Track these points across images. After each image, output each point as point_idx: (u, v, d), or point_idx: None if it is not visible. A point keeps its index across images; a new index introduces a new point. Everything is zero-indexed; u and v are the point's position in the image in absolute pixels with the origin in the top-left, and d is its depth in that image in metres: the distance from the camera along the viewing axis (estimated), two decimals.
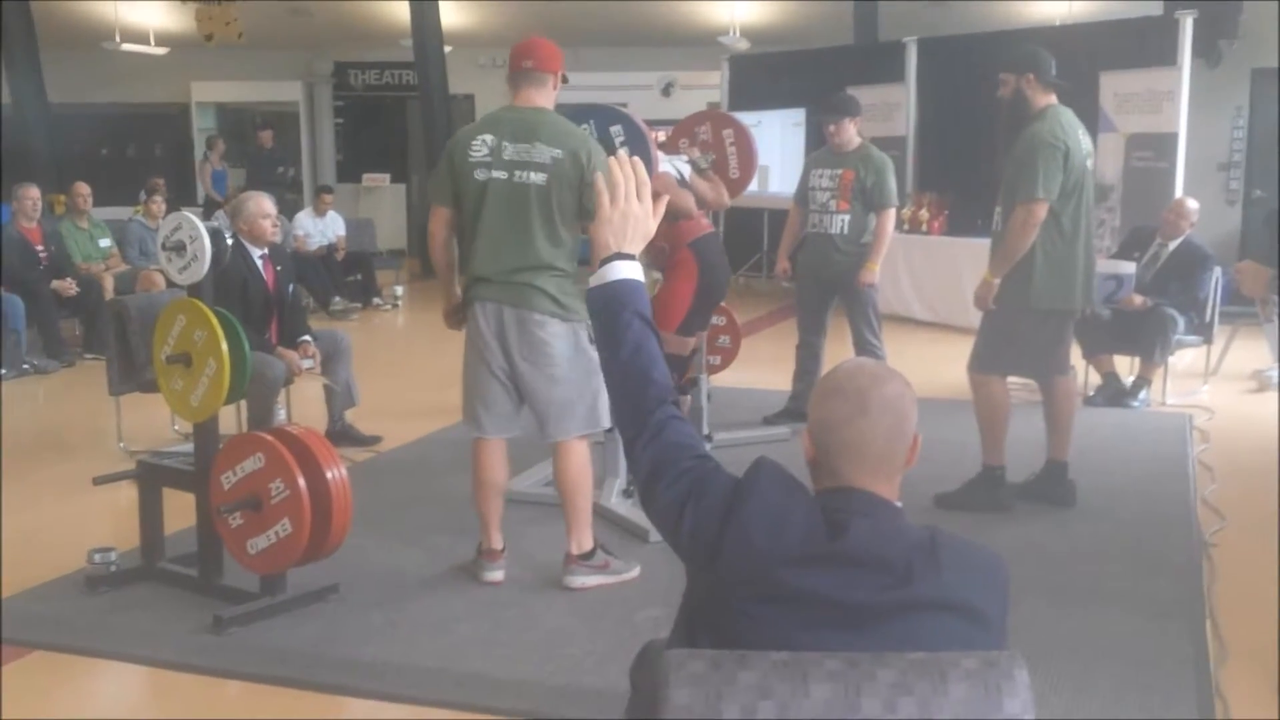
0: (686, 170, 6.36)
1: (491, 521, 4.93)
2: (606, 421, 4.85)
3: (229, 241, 6.22)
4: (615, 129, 5.39)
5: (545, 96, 4.75)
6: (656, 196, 2.43)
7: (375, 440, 7.17)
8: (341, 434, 7.06)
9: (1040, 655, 4.09)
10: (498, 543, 4.95)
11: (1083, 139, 5.61)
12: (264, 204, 6.68)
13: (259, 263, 6.56)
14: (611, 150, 5.23)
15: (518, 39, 4.78)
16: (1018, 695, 1.82)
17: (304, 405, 7.50)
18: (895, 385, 2.12)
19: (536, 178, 4.58)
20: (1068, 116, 5.60)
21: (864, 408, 2.08)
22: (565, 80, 4.81)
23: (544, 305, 4.63)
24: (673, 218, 5.96)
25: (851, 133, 7.22)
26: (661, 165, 5.98)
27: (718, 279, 6.33)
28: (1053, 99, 5.63)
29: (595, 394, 4.74)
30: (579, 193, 4.59)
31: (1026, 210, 5.42)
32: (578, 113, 5.42)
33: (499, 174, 4.62)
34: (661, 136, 7.11)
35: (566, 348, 4.67)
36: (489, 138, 4.67)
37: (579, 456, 4.80)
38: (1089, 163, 5.64)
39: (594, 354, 4.77)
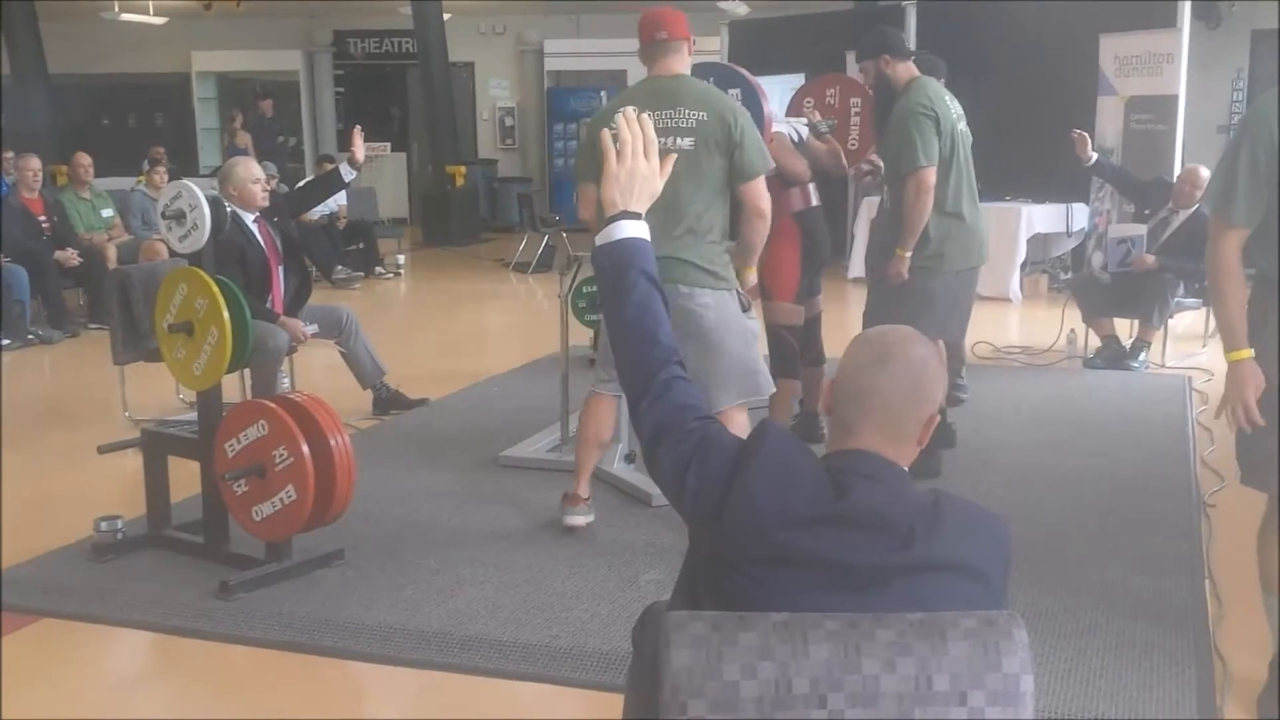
0: (804, 133, 6.24)
1: (584, 470, 5.05)
2: (768, 389, 4.88)
3: (229, 210, 6.25)
4: (733, 91, 5.36)
5: (683, 63, 4.80)
6: (664, 156, 2.43)
7: (422, 402, 7.30)
8: (390, 400, 7.18)
9: (1041, 614, 4.14)
10: (584, 491, 5.06)
11: (950, 104, 5.68)
12: (252, 168, 6.67)
13: (253, 228, 6.56)
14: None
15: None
16: (1016, 654, 1.84)
17: (308, 374, 7.52)
18: (923, 351, 2.12)
19: (683, 142, 4.56)
20: (932, 86, 5.68)
21: (884, 359, 2.08)
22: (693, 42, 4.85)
23: (690, 276, 4.59)
24: (784, 183, 5.92)
25: None
26: (776, 126, 5.90)
27: (819, 251, 6.21)
28: (914, 71, 5.71)
29: (754, 361, 4.77)
30: (729, 155, 4.57)
31: (915, 180, 5.49)
32: (696, 72, 5.42)
33: None
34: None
35: (717, 317, 4.63)
36: (631, 110, 4.65)
37: (737, 428, 4.77)
38: (960, 126, 5.70)
39: (749, 321, 4.80)
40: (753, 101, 5.41)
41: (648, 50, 4.81)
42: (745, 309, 4.83)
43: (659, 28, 4.75)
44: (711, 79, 5.36)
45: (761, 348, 6.23)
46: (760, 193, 4.69)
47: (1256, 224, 3.38)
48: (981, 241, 5.84)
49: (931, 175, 5.48)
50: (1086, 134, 8.31)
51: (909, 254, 5.62)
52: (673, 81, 4.73)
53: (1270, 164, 3.28)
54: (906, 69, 5.68)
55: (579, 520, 5.01)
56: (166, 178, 11.39)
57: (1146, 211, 8.46)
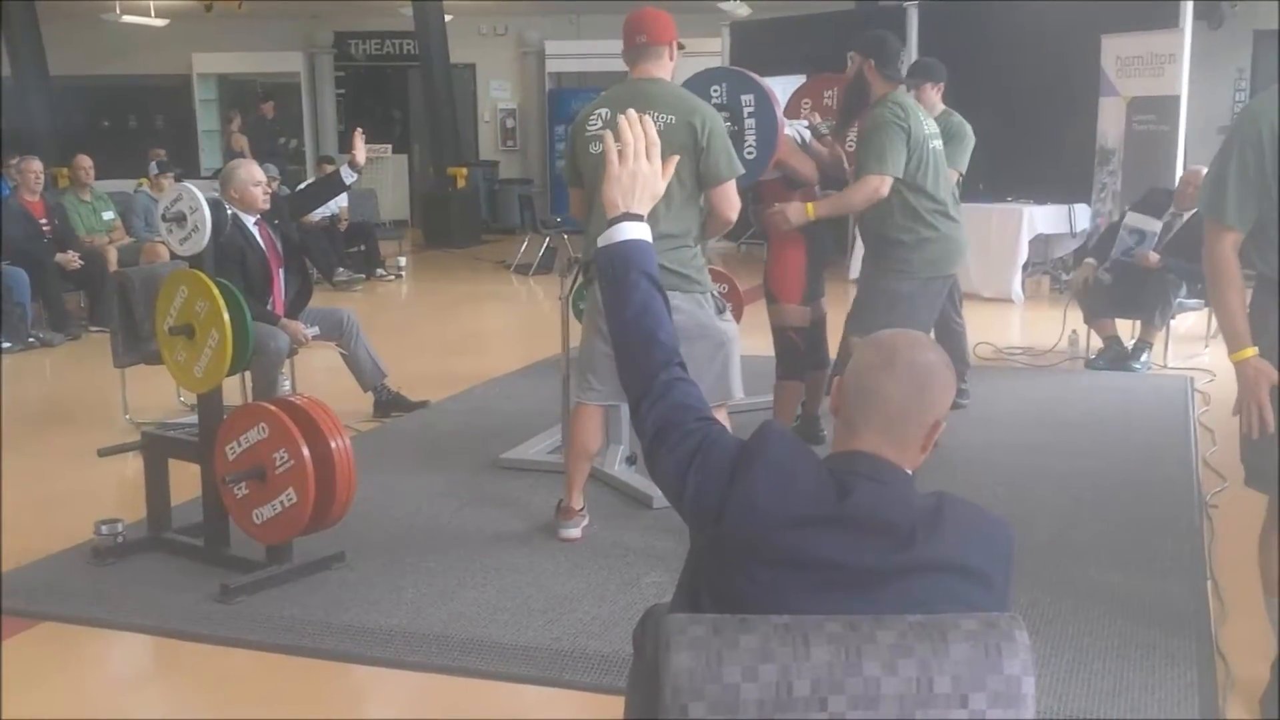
0: (807, 135, 6.20)
1: (576, 482, 5.05)
2: (738, 393, 4.89)
3: (229, 212, 6.25)
4: (746, 98, 5.34)
5: (661, 68, 4.81)
6: (666, 159, 2.43)
7: (423, 404, 7.29)
8: (391, 403, 7.19)
9: (1042, 615, 4.13)
10: (578, 503, 5.05)
11: (925, 121, 5.63)
12: (253, 171, 6.66)
13: (254, 230, 6.55)
14: (739, 116, 5.22)
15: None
16: (1018, 656, 1.83)
17: (309, 376, 7.52)
18: (931, 356, 2.10)
19: None
20: (908, 101, 5.64)
21: (891, 362, 2.07)
22: (681, 46, 4.85)
23: (662, 280, 4.57)
24: (795, 185, 5.92)
25: (933, 99, 7.03)
26: (785, 130, 5.90)
27: (824, 248, 6.22)
28: (892, 88, 5.59)
29: (724, 364, 4.78)
30: (695, 159, 4.59)
31: (870, 183, 5.40)
32: (708, 77, 5.39)
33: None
34: None
35: (688, 319, 4.59)
36: (605, 111, 4.72)
37: None
38: (934, 144, 5.63)
39: (721, 324, 4.80)
40: (766, 108, 5.40)
41: (628, 53, 4.84)
42: (720, 311, 4.84)
43: (640, 32, 4.77)
44: (725, 85, 5.36)
45: (760, 348, 6.26)
46: (728, 199, 4.70)
47: (1250, 225, 3.40)
48: (956, 251, 5.74)
49: (886, 185, 5.39)
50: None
51: (811, 214, 5.57)
52: (649, 85, 4.75)
53: (1260, 166, 3.31)
54: (885, 85, 5.55)
55: (573, 533, 5.01)
56: (173, 181, 11.39)
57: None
